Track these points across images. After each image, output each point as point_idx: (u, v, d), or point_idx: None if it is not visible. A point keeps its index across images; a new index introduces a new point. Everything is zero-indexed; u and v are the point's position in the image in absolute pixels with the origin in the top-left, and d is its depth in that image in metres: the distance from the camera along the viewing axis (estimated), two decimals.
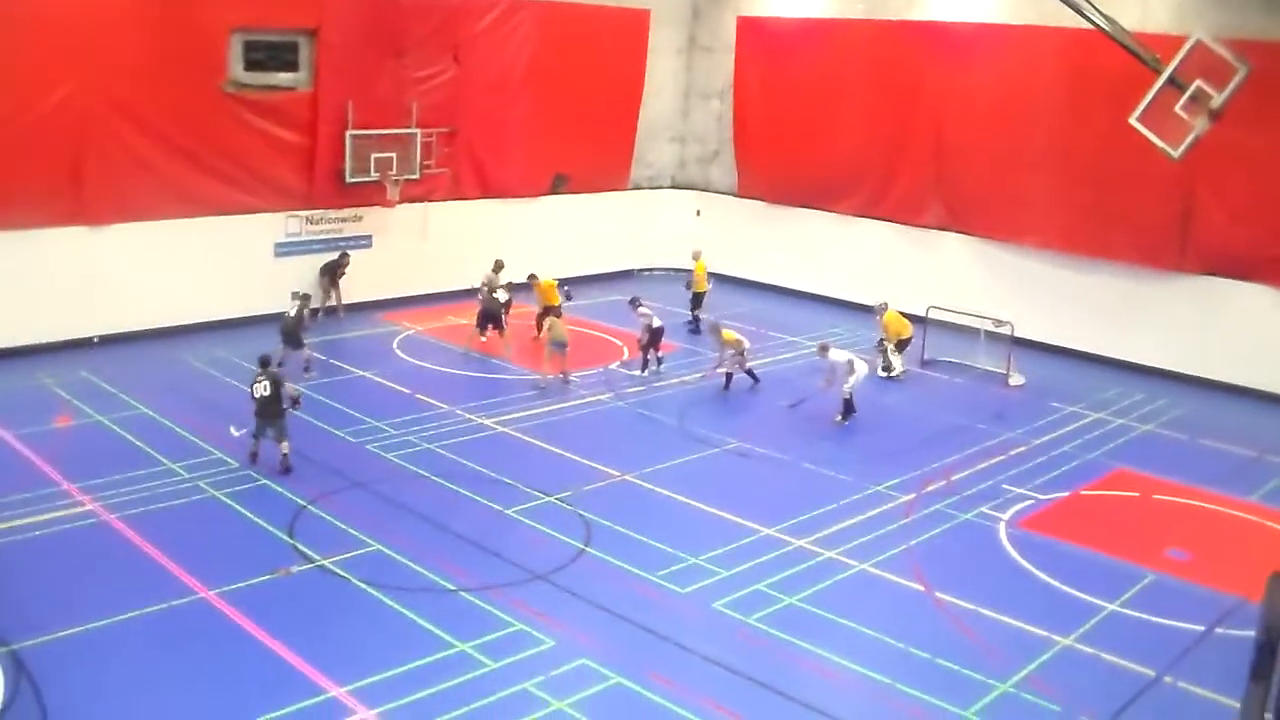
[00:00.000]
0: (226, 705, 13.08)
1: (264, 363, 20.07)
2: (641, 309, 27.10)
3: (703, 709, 13.58)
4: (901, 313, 28.59)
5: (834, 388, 24.43)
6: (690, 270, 32.07)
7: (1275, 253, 27.74)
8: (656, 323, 26.78)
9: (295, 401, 20.37)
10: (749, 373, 26.19)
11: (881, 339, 28.34)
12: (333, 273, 30.04)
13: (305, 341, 25.31)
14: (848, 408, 24.38)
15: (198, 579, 15.94)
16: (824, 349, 24.76)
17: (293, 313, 25.02)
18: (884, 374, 27.72)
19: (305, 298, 26.06)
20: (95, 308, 26.36)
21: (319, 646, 14.44)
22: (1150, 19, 28.15)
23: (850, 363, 24.21)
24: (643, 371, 26.85)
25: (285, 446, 19.94)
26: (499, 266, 29.16)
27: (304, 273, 29.49)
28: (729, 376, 26.13)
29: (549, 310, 27.89)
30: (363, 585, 16.15)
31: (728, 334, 26.02)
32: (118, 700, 13.20)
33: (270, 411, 19.79)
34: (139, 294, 26.80)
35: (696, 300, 31.46)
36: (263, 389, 19.66)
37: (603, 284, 35.52)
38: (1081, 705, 14.21)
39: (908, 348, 28.42)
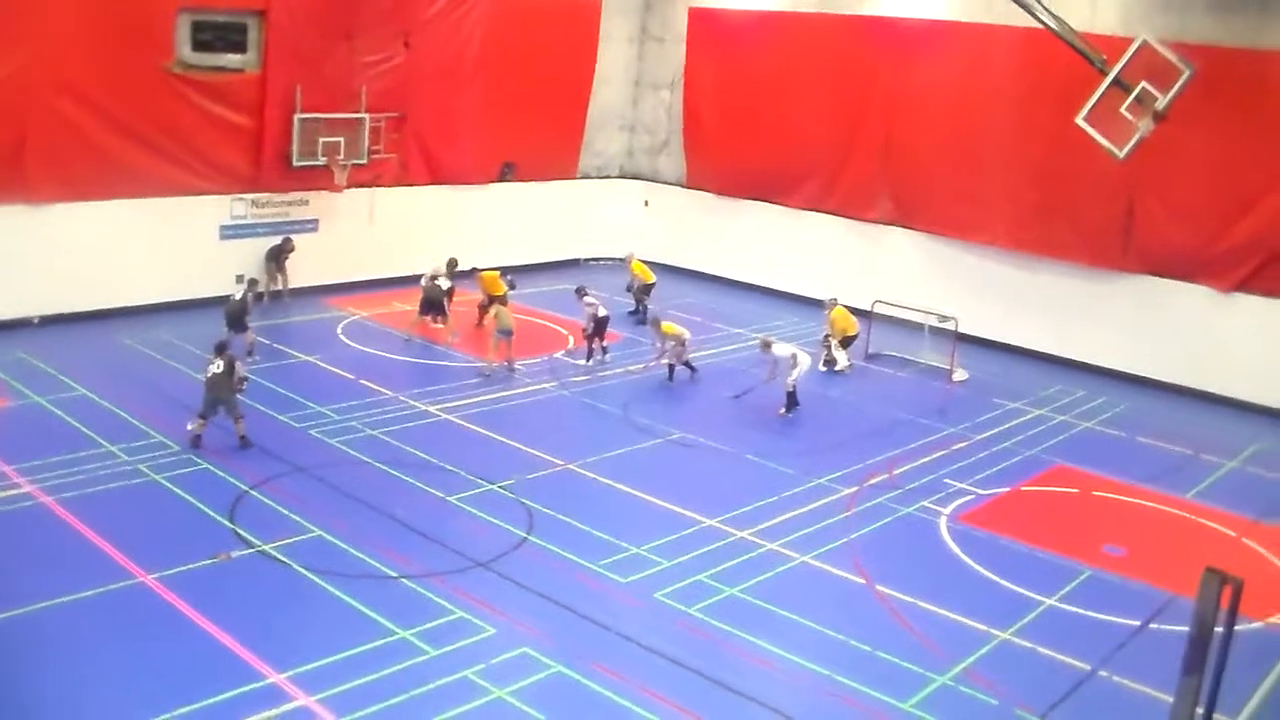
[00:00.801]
0: (165, 690, 12.94)
1: (220, 348, 20.22)
2: (587, 298, 27.04)
3: (643, 699, 13.61)
4: (849, 309, 28.70)
5: (777, 381, 24.49)
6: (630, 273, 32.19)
7: (1214, 254, 28.09)
8: (602, 312, 26.76)
9: (241, 383, 20.35)
10: (687, 364, 26.24)
11: (827, 334, 28.42)
12: (277, 257, 29.81)
13: (250, 326, 25.04)
14: (791, 400, 24.46)
15: (136, 563, 15.79)
16: (766, 345, 24.76)
17: (238, 296, 24.81)
18: (824, 368, 27.82)
19: (253, 283, 25.94)
20: (35, 288, 26.02)
21: (259, 632, 14.34)
22: (1098, 20, 28.39)
23: (793, 356, 24.27)
24: (588, 361, 26.84)
25: (241, 426, 20.05)
26: (452, 264, 29.10)
27: (249, 256, 29.28)
28: (671, 368, 26.18)
29: (493, 300, 27.86)
30: (303, 571, 16.06)
31: (668, 326, 26.05)
32: (55, 684, 13.07)
33: (222, 390, 19.80)
34: (81, 274, 26.47)
35: (645, 290, 31.51)
36: (215, 367, 19.76)
37: (549, 273, 35.48)
38: (1019, 698, 14.35)
39: (853, 344, 28.51)
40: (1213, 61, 26.15)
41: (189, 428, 20.02)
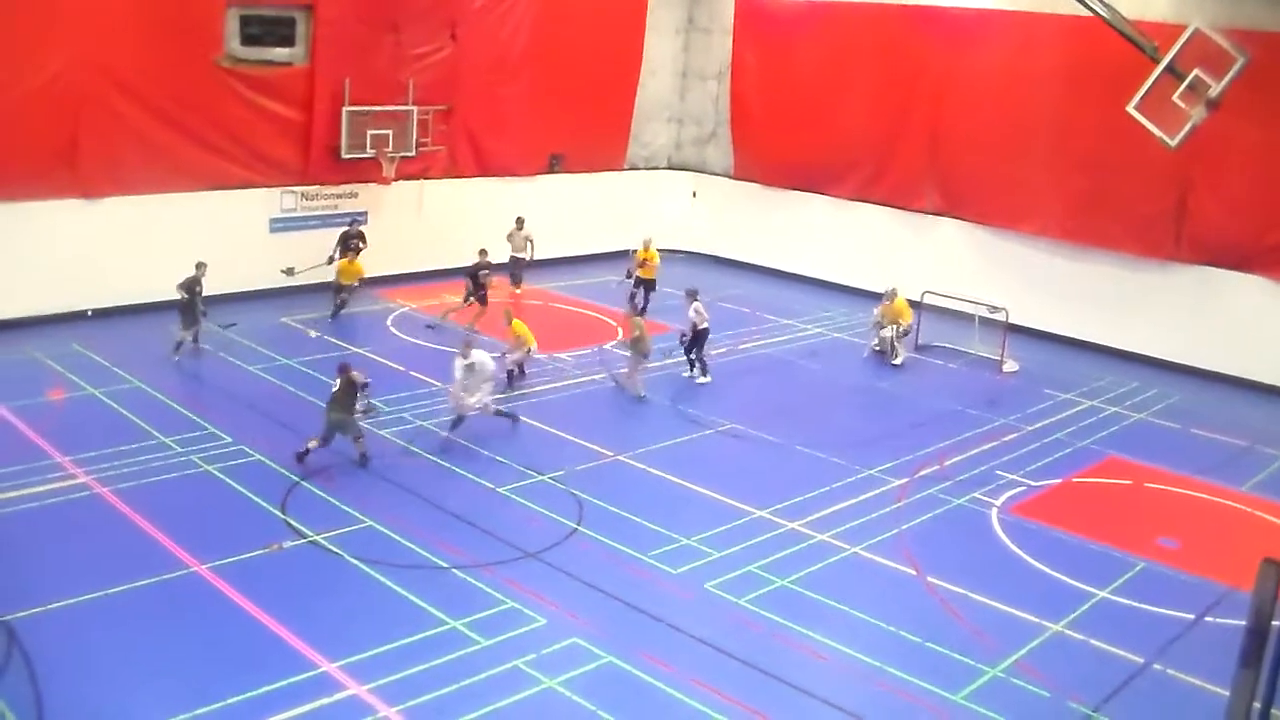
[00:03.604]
0: (217, 679, 13.05)
1: (342, 368, 19.54)
2: (696, 304, 25.31)
3: (693, 689, 13.61)
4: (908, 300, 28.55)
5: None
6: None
7: (1270, 243, 27.80)
8: (703, 324, 25.26)
9: (367, 409, 19.85)
10: (520, 369, 24.46)
11: (878, 322, 28.22)
12: (345, 243, 29.63)
13: (200, 320, 24.61)
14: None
15: (190, 553, 15.93)
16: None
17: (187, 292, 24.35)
18: (876, 350, 27.70)
19: (200, 266, 24.77)
20: (89, 281, 26.30)
21: (310, 622, 14.45)
22: (1149, 7, 28.09)
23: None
24: (690, 373, 25.51)
25: (360, 444, 19.39)
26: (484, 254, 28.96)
27: (299, 248, 29.35)
28: (510, 373, 24.27)
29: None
30: (355, 561, 16.15)
31: (518, 325, 24.05)
32: (108, 672, 13.20)
33: (340, 409, 19.19)
34: (133, 267, 26.71)
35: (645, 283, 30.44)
36: (334, 385, 19.40)
37: (597, 264, 35.48)
38: (1071, 691, 14.25)
39: (907, 336, 28.36)
40: (1267, 48, 25.81)
41: (309, 445, 19.31)
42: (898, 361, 27.77)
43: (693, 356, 25.36)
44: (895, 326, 27.92)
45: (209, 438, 20.11)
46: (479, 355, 20.83)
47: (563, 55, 34.54)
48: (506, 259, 31.25)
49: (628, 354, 24.57)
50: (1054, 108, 30.20)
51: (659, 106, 39.18)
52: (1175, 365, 29.04)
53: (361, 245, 28.92)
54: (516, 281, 31.79)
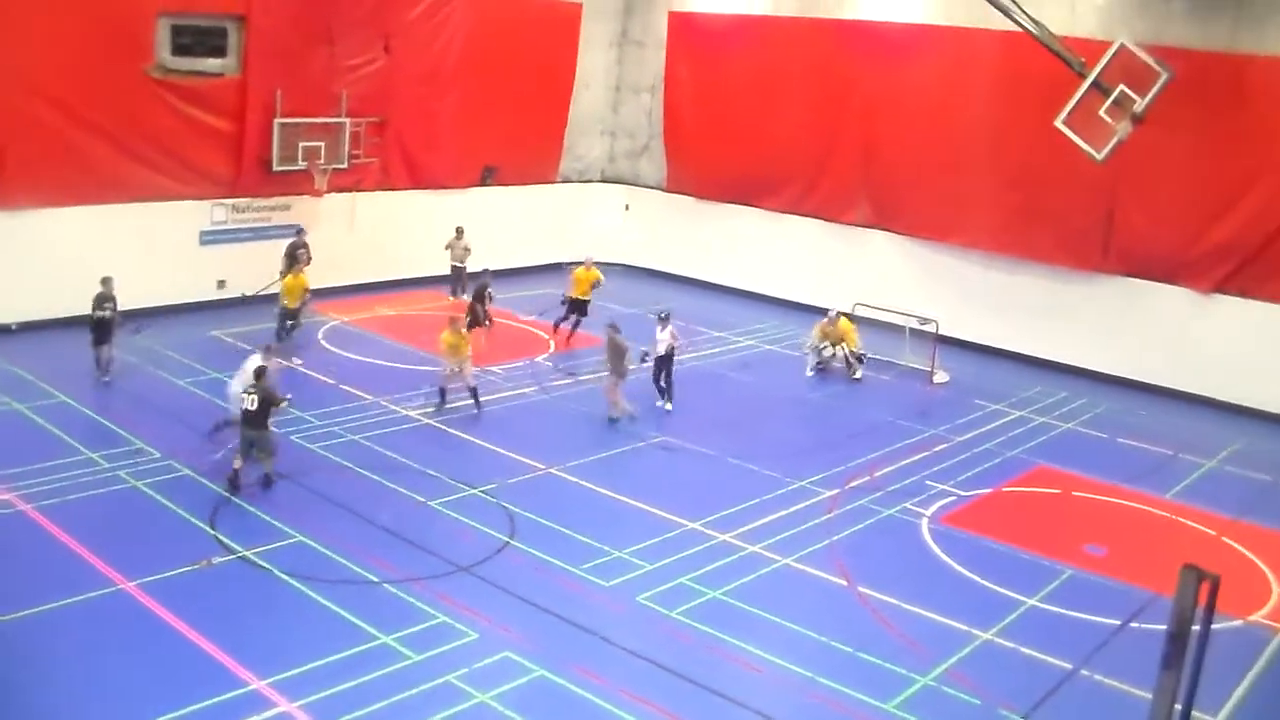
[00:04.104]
0: (146, 698, 12.89)
1: (257, 375, 18.87)
2: (670, 327, 24.68)
3: (625, 702, 13.60)
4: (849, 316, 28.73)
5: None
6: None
7: (1194, 255, 28.26)
8: (662, 349, 24.54)
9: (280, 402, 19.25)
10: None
11: (816, 345, 28.31)
12: (292, 256, 29.43)
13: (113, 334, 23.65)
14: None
15: (117, 570, 15.72)
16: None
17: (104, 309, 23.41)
18: (813, 373, 27.85)
19: (106, 281, 23.65)
20: (14, 294, 25.84)
21: (240, 639, 14.30)
22: (1077, 24, 28.53)
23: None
24: (660, 401, 24.67)
25: (269, 464, 18.92)
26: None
27: (229, 261, 29.16)
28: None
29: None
30: (285, 577, 16.01)
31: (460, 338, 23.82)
32: (34, 694, 13.01)
33: (257, 425, 18.62)
34: (60, 280, 26.22)
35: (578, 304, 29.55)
36: (250, 403, 18.52)
37: (531, 277, 35.44)
38: (1001, 698, 14.38)
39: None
40: (1190, 65, 26.32)
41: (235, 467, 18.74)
42: (858, 376, 27.92)
43: (662, 384, 24.65)
44: (842, 347, 28.06)
45: (137, 452, 19.86)
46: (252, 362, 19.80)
47: (496, 68, 34.49)
48: (447, 269, 31.20)
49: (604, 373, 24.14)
50: (985, 122, 30.55)
51: (592, 120, 39.24)
52: (1102, 375, 29.43)
53: (308, 257, 28.75)
54: (457, 292, 32.01)
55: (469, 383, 23.36)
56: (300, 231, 29.62)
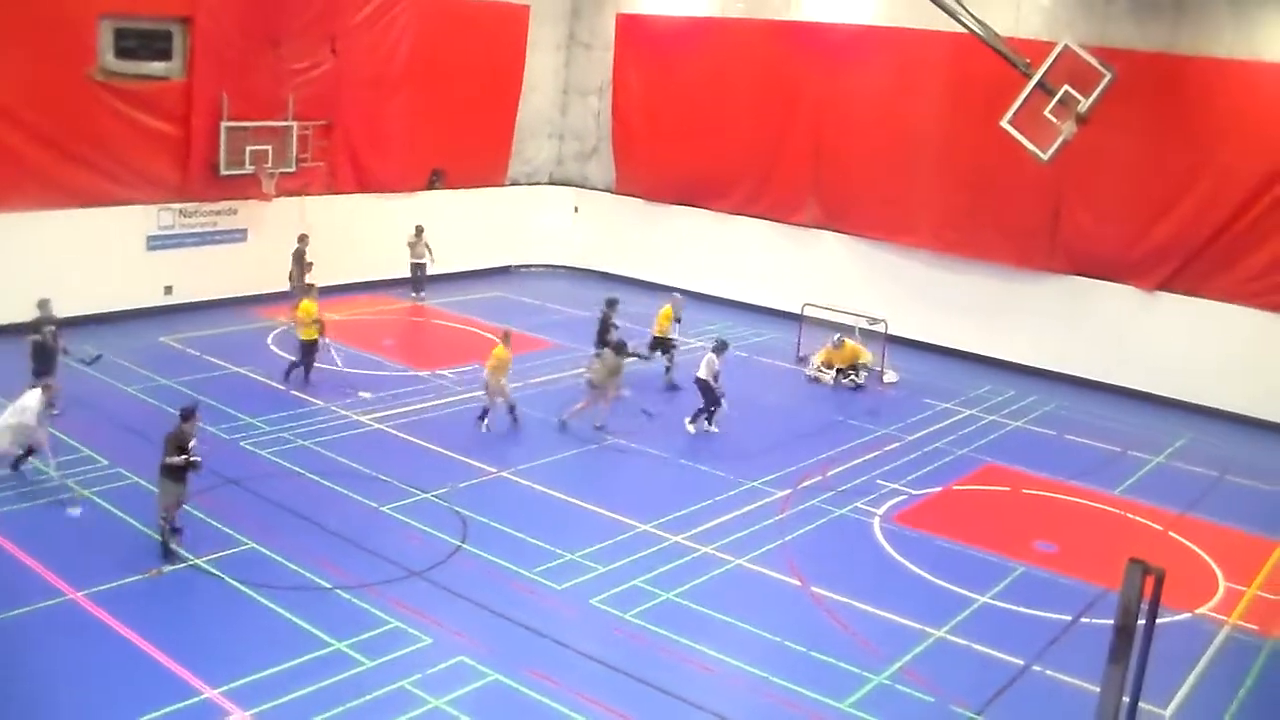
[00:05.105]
0: (98, 709, 12.81)
1: (185, 415, 16.96)
2: (713, 358, 23.98)
3: (580, 705, 13.60)
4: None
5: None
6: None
7: (1139, 254, 28.59)
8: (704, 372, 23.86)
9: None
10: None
11: (820, 368, 28.30)
12: (300, 261, 29.54)
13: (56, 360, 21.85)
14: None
15: (66, 580, 15.55)
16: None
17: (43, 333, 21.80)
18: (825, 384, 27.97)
19: (43, 303, 22.28)
20: None
21: (193, 647, 14.19)
22: (1022, 25, 28.79)
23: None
24: (710, 426, 24.07)
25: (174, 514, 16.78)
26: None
27: (176, 266, 28.95)
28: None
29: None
30: (237, 584, 15.89)
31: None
32: None
33: (185, 477, 16.70)
34: (3, 287, 25.99)
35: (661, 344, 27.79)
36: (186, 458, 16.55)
37: (480, 280, 35.36)
38: (954, 695, 14.48)
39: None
40: (1133, 65, 26.61)
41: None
42: (861, 381, 27.93)
43: (712, 409, 23.98)
44: (857, 369, 28.07)
45: (84, 460, 19.63)
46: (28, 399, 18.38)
47: (444, 71, 34.40)
48: (399, 272, 31.22)
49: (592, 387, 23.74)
50: (933, 123, 30.76)
51: (540, 122, 39.19)
52: (1050, 373, 29.71)
53: (309, 263, 29.04)
54: (418, 288, 32.53)
55: (508, 400, 23.17)
56: (303, 236, 29.79)
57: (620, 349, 24.12)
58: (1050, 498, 21.92)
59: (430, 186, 35.48)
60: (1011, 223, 30.02)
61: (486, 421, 22.94)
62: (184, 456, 16.37)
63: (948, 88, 30.41)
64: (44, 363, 21.48)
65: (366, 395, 24.13)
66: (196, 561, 16.43)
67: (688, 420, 23.99)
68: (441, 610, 15.63)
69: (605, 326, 26.66)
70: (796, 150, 34.10)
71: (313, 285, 26.76)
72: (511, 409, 23.21)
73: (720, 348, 24.21)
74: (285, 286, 30.05)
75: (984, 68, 27.64)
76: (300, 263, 29.67)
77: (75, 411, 21.66)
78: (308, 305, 24.78)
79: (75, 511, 17.54)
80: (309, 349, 24.73)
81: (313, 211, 31.97)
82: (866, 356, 28.29)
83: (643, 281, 36.66)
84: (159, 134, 28.77)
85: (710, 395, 23.83)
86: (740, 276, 34.68)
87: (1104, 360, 29.20)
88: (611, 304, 27.17)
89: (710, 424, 24.00)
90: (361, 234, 32.47)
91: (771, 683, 14.51)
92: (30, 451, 18.71)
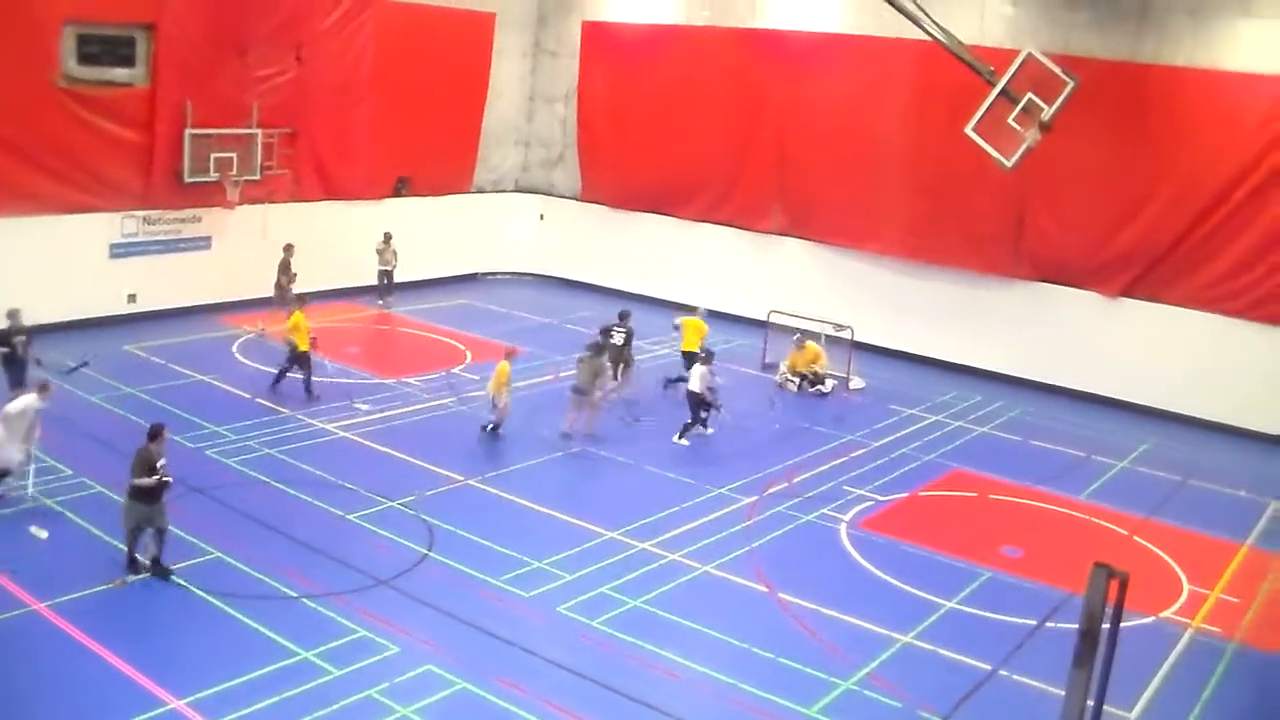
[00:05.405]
0: None
1: (153, 434, 16.46)
2: (705, 368, 24.05)
3: (548, 713, 13.58)
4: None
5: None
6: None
7: (1102, 260, 28.82)
8: (696, 385, 23.88)
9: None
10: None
11: (786, 375, 28.39)
12: (286, 270, 29.54)
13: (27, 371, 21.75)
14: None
15: (28, 591, 15.40)
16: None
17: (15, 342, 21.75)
18: (786, 392, 28.00)
19: (13, 314, 22.19)
20: None
21: (157, 658, 14.10)
22: (986, 33, 28.98)
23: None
24: (704, 430, 24.22)
25: (158, 544, 16.38)
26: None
27: (140, 274, 28.76)
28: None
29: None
30: (202, 594, 15.80)
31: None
32: None
33: (156, 497, 16.19)
34: None
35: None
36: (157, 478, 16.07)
37: (446, 288, 35.29)
38: (922, 700, 14.53)
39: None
40: (1095, 73, 26.81)
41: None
42: (828, 389, 28.05)
43: (705, 415, 24.13)
44: (813, 370, 28.20)
45: (47, 470, 19.37)
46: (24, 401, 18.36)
47: (409, 78, 34.29)
48: (364, 280, 31.21)
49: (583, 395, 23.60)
50: (897, 130, 30.90)
51: (506, 129, 39.15)
52: (1015, 379, 29.88)
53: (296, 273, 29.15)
54: (384, 295, 32.69)
55: (503, 414, 23.04)
56: (289, 246, 29.73)
57: (599, 350, 24.09)
58: (1016, 503, 22.04)
59: (396, 194, 35.35)
60: (976, 229, 30.18)
61: (499, 430, 23.09)
62: (155, 477, 16.03)
63: (912, 95, 30.56)
64: (15, 374, 21.43)
65: (364, 406, 24.05)
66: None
67: (676, 436, 23.87)
68: (409, 619, 15.58)
69: (628, 339, 26.37)
70: (761, 157, 34.18)
71: (304, 295, 26.67)
72: (497, 426, 23.13)
73: (708, 358, 24.26)
74: (251, 295, 29.99)
75: (948, 75, 27.72)
76: (287, 272, 29.62)
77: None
78: (299, 317, 24.51)
79: (42, 535, 17.23)
80: (305, 360, 24.44)
81: (277, 219, 31.79)
82: (823, 360, 28.36)
83: (609, 289, 36.64)
84: (122, 141, 28.55)
85: (699, 409, 23.88)
86: (706, 283, 34.63)
87: (1068, 366, 29.39)
88: (624, 316, 26.91)
89: (706, 427, 24.18)
90: (326, 241, 32.31)
91: (739, 689, 14.52)
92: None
